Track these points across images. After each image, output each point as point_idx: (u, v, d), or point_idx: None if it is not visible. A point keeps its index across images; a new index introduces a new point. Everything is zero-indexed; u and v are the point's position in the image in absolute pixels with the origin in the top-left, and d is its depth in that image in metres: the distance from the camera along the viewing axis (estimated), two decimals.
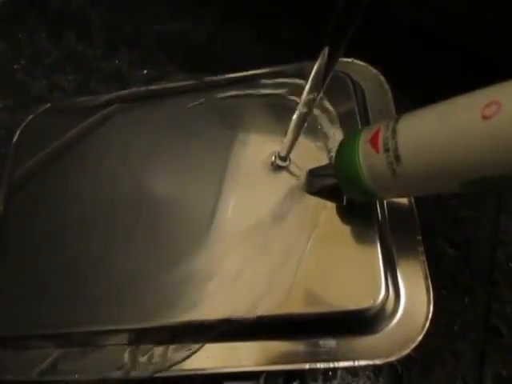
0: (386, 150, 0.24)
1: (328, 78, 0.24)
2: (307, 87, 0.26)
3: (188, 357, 0.29)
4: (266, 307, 0.29)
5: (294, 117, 0.28)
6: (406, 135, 0.23)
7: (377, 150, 0.24)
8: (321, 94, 0.26)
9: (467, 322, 0.33)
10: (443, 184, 0.23)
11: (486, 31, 0.38)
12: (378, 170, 0.25)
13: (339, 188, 0.29)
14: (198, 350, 0.30)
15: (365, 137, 0.26)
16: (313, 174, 0.32)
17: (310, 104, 0.27)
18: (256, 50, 0.46)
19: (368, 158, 0.25)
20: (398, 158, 0.23)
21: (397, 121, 0.24)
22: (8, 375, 0.32)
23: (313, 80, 0.25)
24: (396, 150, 0.23)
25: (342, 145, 0.28)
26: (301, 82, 0.36)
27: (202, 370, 0.29)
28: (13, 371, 0.32)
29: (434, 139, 0.22)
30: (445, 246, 0.35)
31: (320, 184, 0.31)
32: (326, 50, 0.22)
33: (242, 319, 0.29)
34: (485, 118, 0.19)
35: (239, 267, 0.30)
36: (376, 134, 0.25)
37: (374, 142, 0.25)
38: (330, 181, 0.29)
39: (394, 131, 0.23)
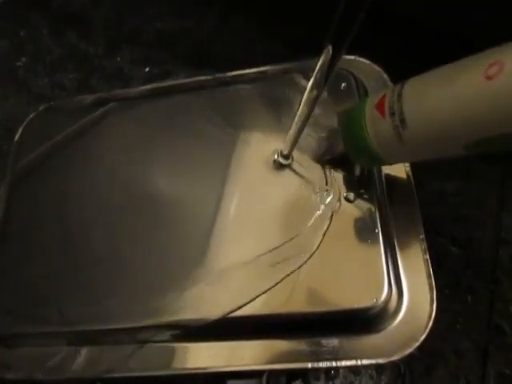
0: (392, 114, 0.24)
1: (330, 76, 0.24)
2: (310, 85, 0.26)
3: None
4: (269, 306, 0.29)
5: (297, 115, 0.28)
6: (410, 98, 0.23)
7: (383, 115, 0.24)
8: (323, 92, 0.26)
9: (470, 321, 0.33)
10: (448, 146, 0.23)
11: (489, 30, 0.38)
12: (384, 135, 0.25)
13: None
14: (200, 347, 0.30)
15: (371, 102, 0.26)
16: (324, 141, 0.32)
17: (312, 101, 0.26)
18: (257, 48, 0.46)
19: (374, 123, 0.25)
20: (403, 121, 0.23)
21: (402, 85, 0.24)
22: (10, 373, 0.32)
23: (315, 78, 0.25)
24: (401, 113, 0.23)
25: (348, 111, 0.28)
26: (303, 79, 0.35)
27: (205, 368, 0.29)
28: (16, 369, 0.32)
29: (438, 101, 0.22)
30: (447, 245, 0.35)
31: (330, 151, 0.32)
32: (328, 48, 0.22)
33: (244, 317, 0.29)
34: (488, 78, 0.20)
35: (242, 265, 0.30)
36: (382, 98, 0.25)
37: (380, 106, 0.25)
38: (339, 147, 0.30)
39: (400, 95, 0.24)
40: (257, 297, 0.29)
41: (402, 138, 0.24)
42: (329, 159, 0.32)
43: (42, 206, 0.37)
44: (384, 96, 0.25)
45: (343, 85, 0.34)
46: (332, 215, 0.30)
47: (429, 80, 0.23)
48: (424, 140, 0.23)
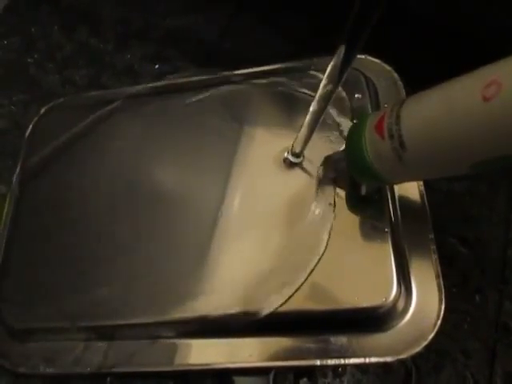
0: (391, 137, 0.24)
1: (344, 77, 0.24)
2: (322, 84, 0.26)
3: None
4: (276, 303, 0.29)
5: (309, 113, 0.28)
6: (408, 121, 0.23)
7: (382, 137, 0.24)
8: (336, 91, 0.26)
9: (478, 321, 0.33)
10: (451, 167, 0.23)
11: (501, 30, 0.37)
12: (384, 157, 0.25)
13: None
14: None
15: (371, 123, 0.26)
16: (328, 160, 0.32)
17: (324, 101, 0.27)
18: (268, 46, 0.45)
19: (374, 145, 0.25)
20: (402, 144, 0.23)
21: (401, 106, 0.24)
22: (23, 368, 0.32)
23: (328, 77, 0.25)
24: (400, 136, 0.23)
25: (350, 131, 0.28)
26: (313, 78, 0.36)
27: (212, 364, 0.29)
28: (29, 364, 0.32)
29: (436, 125, 0.22)
30: (456, 245, 0.35)
31: (334, 170, 0.32)
32: (342, 49, 0.22)
33: (252, 314, 0.29)
34: (485, 99, 0.19)
35: (244, 264, 0.30)
36: (381, 120, 0.25)
37: (379, 128, 0.25)
38: (343, 167, 0.30)
39: (398, 117, 0.23)
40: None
41: (403, 160, 0.24)
42: (333, 178, 0.32)
43: (51, 203, 0.37)
44: (383, 117, 0.25)
45: (353, 84, 0.34)
46: (341, 215, 0.31)
47: (426, 102, 0.23)
48: (425, 162, 0.23)
